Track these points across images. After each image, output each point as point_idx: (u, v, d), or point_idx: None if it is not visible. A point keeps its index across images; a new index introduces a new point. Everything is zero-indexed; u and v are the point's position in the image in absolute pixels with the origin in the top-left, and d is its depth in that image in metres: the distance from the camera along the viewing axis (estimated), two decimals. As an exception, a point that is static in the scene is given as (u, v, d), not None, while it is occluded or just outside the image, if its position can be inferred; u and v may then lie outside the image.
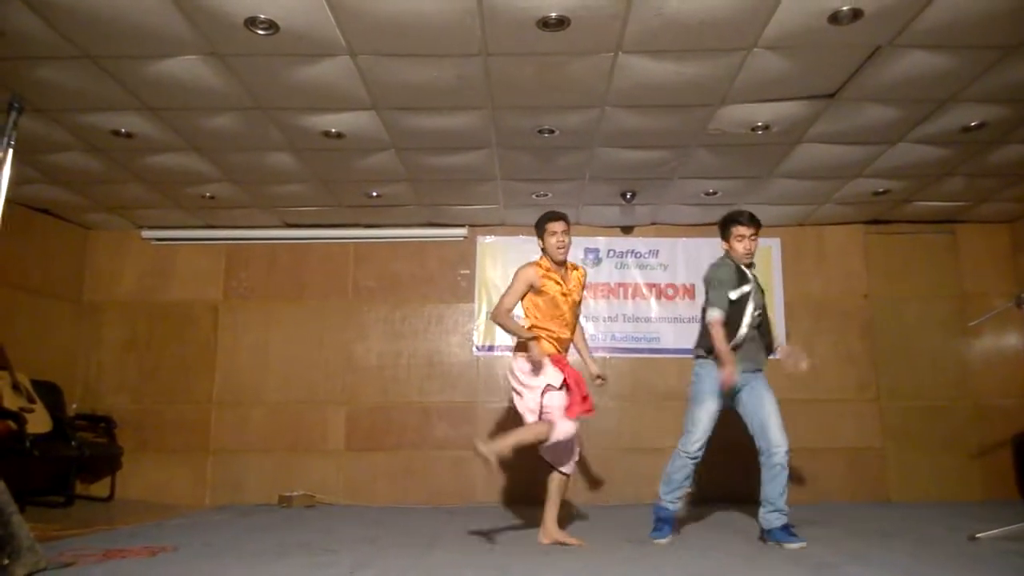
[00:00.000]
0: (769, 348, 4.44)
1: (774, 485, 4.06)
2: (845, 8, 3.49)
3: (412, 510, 6.06)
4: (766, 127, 4.87)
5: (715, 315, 4.14)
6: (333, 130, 4.90)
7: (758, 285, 4.32)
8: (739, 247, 4.23)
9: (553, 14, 3.54)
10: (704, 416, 4.21)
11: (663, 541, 4.17)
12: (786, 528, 4.03)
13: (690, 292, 6.91)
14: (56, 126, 4.81)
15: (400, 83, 4.25)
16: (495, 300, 6.88)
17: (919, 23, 3.63)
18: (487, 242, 7.08)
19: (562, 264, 4.41)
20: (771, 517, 4.06)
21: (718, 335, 4.10)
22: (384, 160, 5.43)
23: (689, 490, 4.32)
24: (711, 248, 6.90)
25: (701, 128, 4.92)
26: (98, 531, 4.69)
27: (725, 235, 4.33)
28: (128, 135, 4.94)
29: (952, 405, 6.72)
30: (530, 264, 4.40)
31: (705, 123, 4.84)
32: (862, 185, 5.99)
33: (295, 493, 6.31)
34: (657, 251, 7.05)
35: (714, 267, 4.32)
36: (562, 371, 4.19)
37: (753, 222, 4.26)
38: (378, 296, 7.02)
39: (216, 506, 6.36)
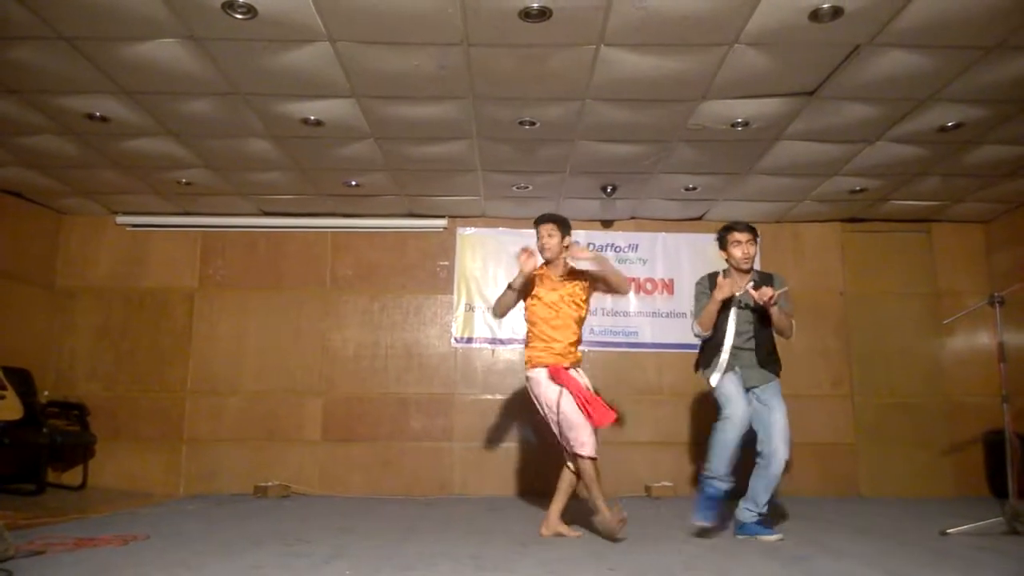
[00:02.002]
0: (775, 363, 4.32)
1: (763, 490, 4.11)
2: (826, 6, 3.51)
3: (388, 501, 6.05)
4: (746, 123, 4.89)
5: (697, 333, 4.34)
6: (312, 117, 4.86)
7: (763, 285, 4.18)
8: (736, 252, 4.23)
9: (535, 5, 3.53)
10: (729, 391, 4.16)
11: (707, 524, 4.12)
12: (760, 522, 4.10)
13: (669, 287, 6.94)
14: (30, 108, 4.73)
15: (380, 71, 4.22)
16: (474, 291, 6.93)
17: (899, 22, 3.65)
18: (467, 233, 7.06)
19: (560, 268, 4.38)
20: (748, 514, 4.14)
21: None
22: (363, 149, 5.40)
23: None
24: (690, 243, 7.01)
25: (682, 123, 4.93)
26: (69, 519, 4.65)
27: (723, 244, 4.34)
28: (103, 119, 4.87)
29: (925, 402, 6.80)
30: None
31: (686, 118, 4.85)
32: (839, 183, 6.03)
33: (270, 483, 6.28)
34: (637, 245, 7.07)
35: (698, 283, 4.44)
36: (560, 382, 4.14)
37: (750, 228, 4.29)
38: (356, 286, 6.99)
39: (190, 495, 6.32)
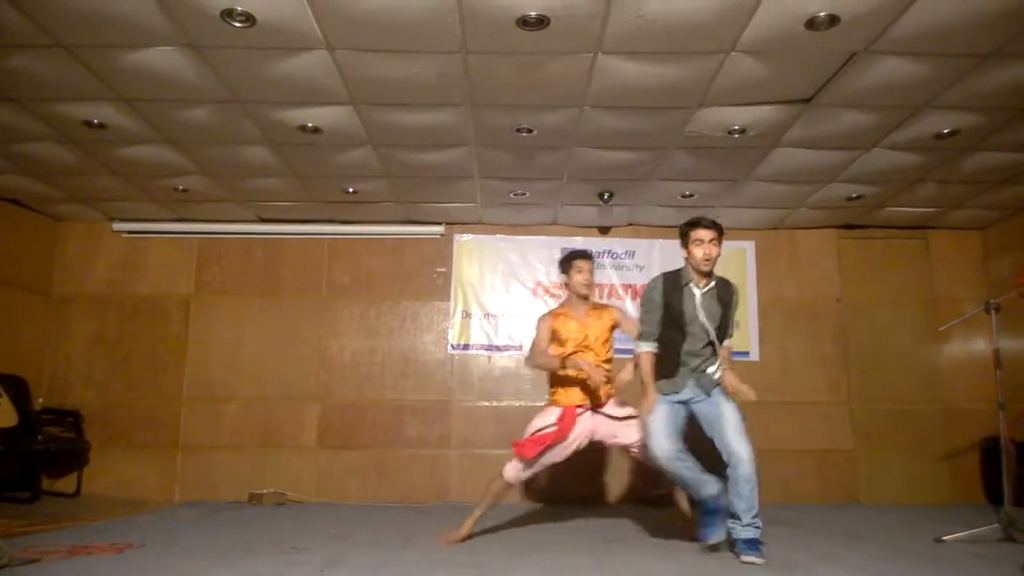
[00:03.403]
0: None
1: (743, 502, 3.74)
2: (822, 14, 3.52)
3: (384, 508, 6.03)
4: (743, 131, 4.90)
5: (641, 349, 4.03)
6: (310, 124, 4.86)
7: (718, 299, 3.97)
8: (698, 252, 3.90)
9: (533, 13, 3.54)
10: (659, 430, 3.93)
11: (717, 540, 3.86)
12: (752, 542, 3.71)
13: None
14: (27, 115, 4.73)
15: (378, 79, 4.22)
16: (471, 298, 6.94)
17: (895, 30, 3.67)
18: (464, 240, 7.06)
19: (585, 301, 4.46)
20: (741, 530, 3.77)
21: (644, 367, 3.99)
22: (361, 156, 5.40)
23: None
24: (687, 250, 6.99)
25: (679, 130, 4.94)
26: (64, 527, 4.63)
27: (684, 241, 4.00)
28: (101, 126, 4.87)
29: (922, 409, 6.80)
30: (547, 313, 4.48)
31: (683, 125, 4.86)
32: (836, 190, 6.05)
33: (266, 490, 6.27)
34: (633, 252, 7.08)
35: (647, 287, 4.13)
36: (565, 422, 4.22)
37: (715, 226, 3.94)
38: (353, 293, 6.98)
39: (185, 503, 6.29)
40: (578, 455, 4.35)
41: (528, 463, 4.22)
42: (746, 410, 6.86)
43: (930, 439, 6.74)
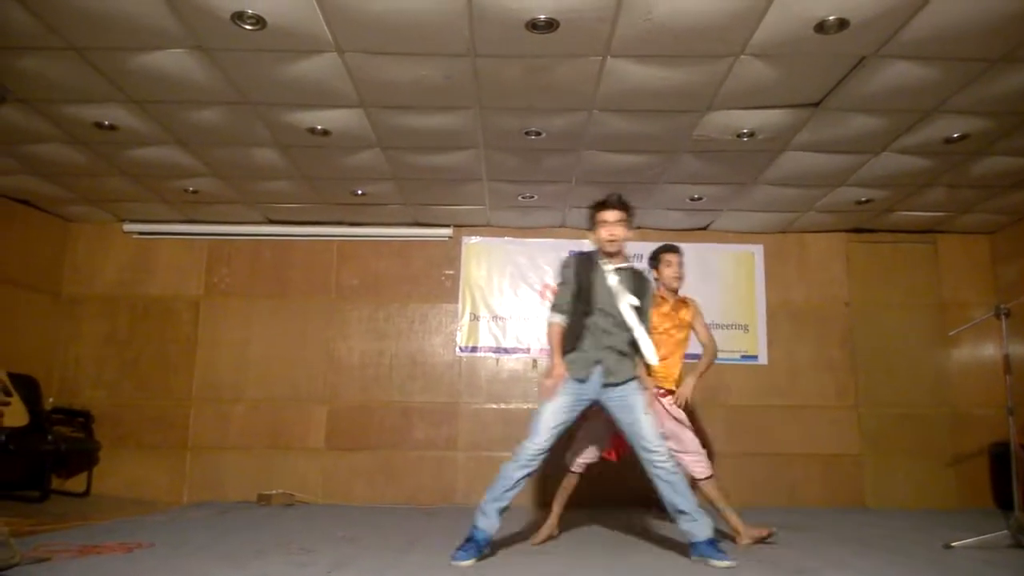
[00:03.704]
0: (634, 356, 3.89)
1: (676, 495, 3.67)
2: (831, 18, 3.52)
3: (392, 510, 6.04)
4: (751, 134, 4.90)
5: (551, 319, 3.90)
6: (319, 127, 4.87)
7: (632, 284, 3.87)
8: (602, 233, 3.85)
9: (542, 16, 3.54)
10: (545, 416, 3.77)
11: (466, 563, 3.60)
12: (712, 543, 3.65)
13: (673, 296, 6.93)
14: (38, 117, 4.76)
15: (388, 81, 4.23)
16: (479, 301, 6.95)
17: (904, 34, 3.66)
18: (472, 243, 7.07)
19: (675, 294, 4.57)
20: (693, 527, 3.66)
21: (553, 340, 3.86)
22: (370, 158, 5.41)
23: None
24: (696, 253, 6.96)
25: (687, 134, 4.94)
26: (74, 527, 4.65)
27: (591, 223, 3.96)
28: (112, 127, 4.90)
29: (930, 413, 6.78)
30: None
31: (691, 129, 4.86)
32: (845, 194, 6.04)
33: (274, 491, 6.28)
34: (641, 255, 7.03)
35: (562, 262, 4.03)
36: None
37: (621, 205, 3.87)
38: (361, 295, 7.00)
39: (194, 503, 6.32)
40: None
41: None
42: (753, 414, 6.89)
43: (938, 444, 6.71)
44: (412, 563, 3.67)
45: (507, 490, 3.73)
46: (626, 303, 3.80)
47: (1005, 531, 4.19)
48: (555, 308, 3.92)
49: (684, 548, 3.85)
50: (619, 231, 3.84)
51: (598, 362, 3.78)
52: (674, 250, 4.57)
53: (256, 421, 6.72)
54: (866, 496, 6.63)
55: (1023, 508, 4.24)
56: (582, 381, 3.77)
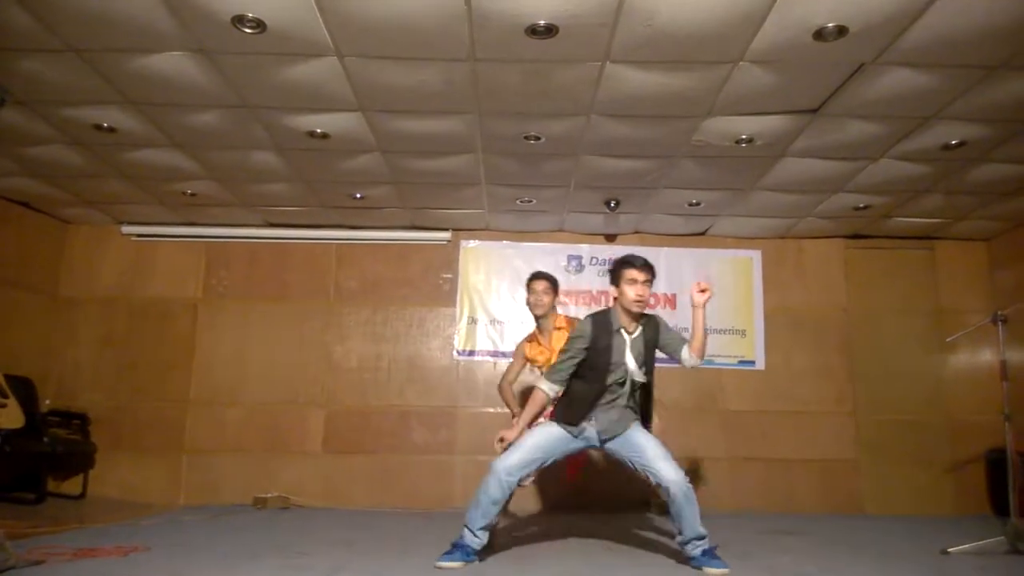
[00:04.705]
0: (645, 416, 3.91)
1: (684, 518, 3.65)
2: (830, 25, 3.52)
3: (389, 514, 6.03)
4: (750, 140, 4.91)
5: (544, 388, 3.79)
6: (318, 130, 4.88)
7: (645, 341, 3.80)
8: (630, 292, 3.71)
9: (542, 22, 3.55)
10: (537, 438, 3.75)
11: (453, 565, 3.62)
12: (708, 552, 3.66)
13: (671, 302, 6.94)
14: (38, 119, 4.76)
15: (387, 85, 4.24)
16: (477, 304, 6.95)
17: (903, 41, 3.67)
18: (470, 246, 7.08)
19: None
20: (690, 547, 3.69)
21: (533, 407, 3.77)
22: (369, 162, 5.42)
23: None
24: (693, 258, 7.02)
25: (686, 139, 4.94)
26: (69, 529, 4.64)
27: (616, 280, 3.80)
28: (111, 129, 4.90)
29: (927, 420, 6.78)
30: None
31: (690, 134, 4.86)
32: (843, 200, 6.05)
33: (270, 494, 6.27)
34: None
35: (576, 328, 3.88)
36: None
37: (648, 267, 3.77)
38: (359, 298, 6.99)
39: (190, 506, 6.30)
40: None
41: None
42: (751, 419, 6.89)
43: (935, 450, 6.71)
44: (409, 567, 3.66)
45: (494, 504, 3.72)
46: (639, 367, 3.76)
47: (1002, 537, 4.18)
48: (553, 377, 3.80)
49: (677, 554, 3.86)
50: (647, 291, 3.75)
51: (593, 420, 3.75)
52: (539, 277, 4.57)
53: (253, 424, 6.71)
54: (863, 502, 6.63)
55: (1020, 514, 4.24)
56: (574, 434, 3.75)
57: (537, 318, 4.63)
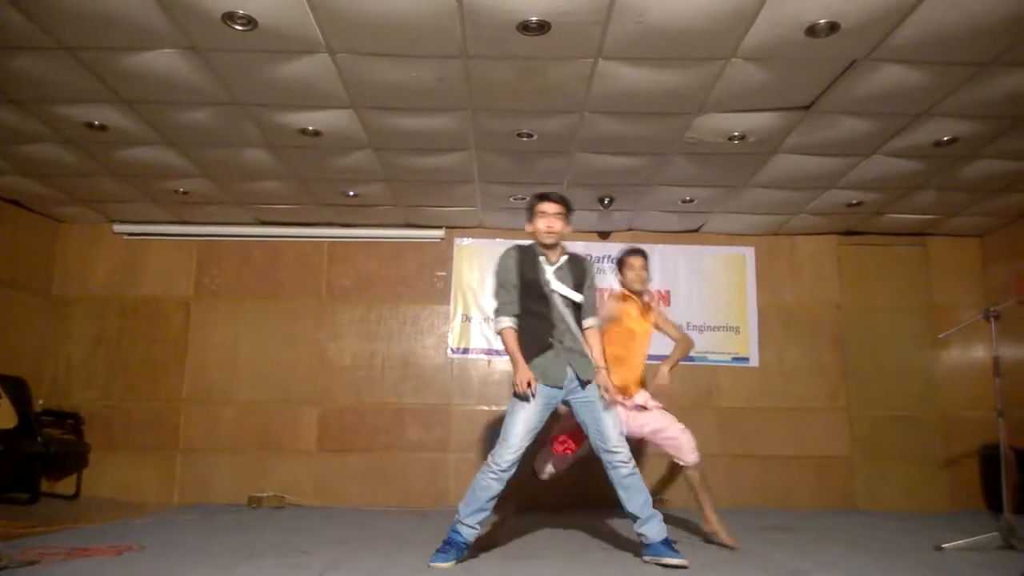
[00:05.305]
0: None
1: (632, 495, 3.68)
2: (822, 21, 3.53)
3: (384, 512, 6.03)
4: (742, 137, 4.91)
5: (501, 325, 3.78)
6: (310, 128, 4.86)
7: (572, 273, 3.84)
8: (540, 224, 3.78)
9: (534, 18, 3.54)
10: (519, 423, 3.71)
11: (445, 566, 3.59)
12: (666, 542, 3.67)
13: (666, 299, 6.95)
14: (29, 117, 4.74)
15: (379, 82, 4.23)
16: (471, 302, 6.95)
17: (895, 38, 3.68)
18: (464, 244, 7.07)
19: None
20: (648, 530, 3.68)
21: (509, 345, 3.75)
22: (361, 159, 5.41)
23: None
24: (687, 255, 7.03)
25: (678, 136, 4.95)
26: (63, 529, 4.63)
27: (530, 215, 3.87)
28: (102, 127, 4.88)
29: (920, 416, 6.80)
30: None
31: (683, 131, 4.87)
32: (836, 196, 6.06)
33: (265, 494, 6.26)
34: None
35: (500, 257, 3.88)
36: None
37: (562, 201, 3.84)
38: (353, 296, 6.98)
39: (184, 505, 6.29)
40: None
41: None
42: (745, 416, 6.91)
43: (929, 446, 6.73)
44: (404, 565, 3.66)
45: (489, 500, 3.71)
46: (571, 295, 3.78)
47: (995, 533, 4.20)
48: (502, 310, 3.79)
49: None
50: (558, 224, 3.79)
51: (568, 364, 3.74)
52: (636, 253, 4.56)
53: (247, 423, 6.70)
54: (857, 498, 6.64)
55: (1013, 510, 4.26)
56: (557, 388, 3.74)
57: (638, 294, 4.55)
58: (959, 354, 6.88)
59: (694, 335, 6.67)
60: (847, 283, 7.06)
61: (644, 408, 4.36)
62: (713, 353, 6.85)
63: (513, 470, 3.70)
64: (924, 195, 6.01)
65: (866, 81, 4.14)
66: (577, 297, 3.80)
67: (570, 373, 3.74)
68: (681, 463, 4.31)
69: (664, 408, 4.41)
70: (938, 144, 4.99)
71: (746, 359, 6.88)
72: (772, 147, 5.12)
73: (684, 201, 6.25)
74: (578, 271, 3.88)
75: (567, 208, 3.86)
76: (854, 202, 6.18)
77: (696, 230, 7.04)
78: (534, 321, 3.76)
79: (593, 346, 3.84)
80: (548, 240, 3.81)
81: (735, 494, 6.50)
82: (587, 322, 3.88)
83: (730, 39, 3.72)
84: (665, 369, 4.45)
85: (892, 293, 7.03)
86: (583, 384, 3.76)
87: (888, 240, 7.07)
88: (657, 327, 4.63)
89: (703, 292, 6.97)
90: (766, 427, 6.77)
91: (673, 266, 7.04)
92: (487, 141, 5.09)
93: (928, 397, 6.84)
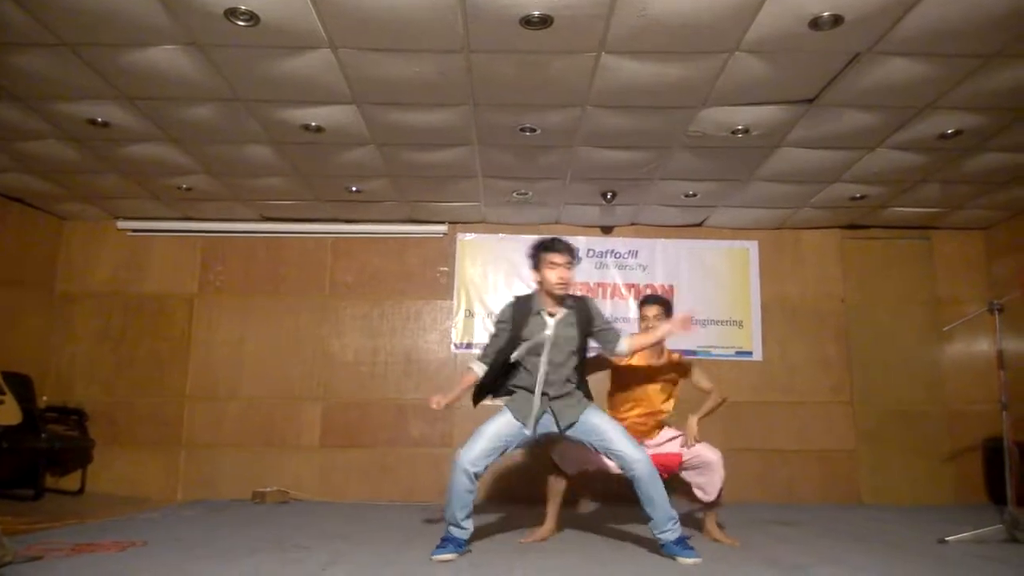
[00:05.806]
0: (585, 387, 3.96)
1: (652, 499, 3.69)
2: (826, 14, 3.51)
3: (387, 507, 6.03)
4: (746, 130, 4.90)
5: (468, 366, 3.99)
6: (313, 124, 4.86)
7: (579, 323, 3.84)
8: (551, 276, 3.75)
9: (536, 12, 3.53)
10: (491, 426, 3.78)
11: (446, 556, 3.64)
12: (680, 541, 3.71)
13: (668, 293, 6.93)
14: (32, 114, 4.74)
15: (381, 78, 4.22)
16: (474, 297, 6.95)
17: (899, 31, 3.66)
18: (467, 239, 7.07)
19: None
20: (666, 533, 3.72)
21: (461, 384, 3.97)
22: (364, 155, 5.40)
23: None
24: (690, 250, 7.02)
25: (682, 130, 4.93)
26: (67, 525, 4.64)
27: (536, 263, 3.84)
28: (105, 124, 4.88)
29: (924, 409, 6.79)
30: None
31: (686, 125, 4.85)
32: (840, 190, 6.04)
33: (268, 489, 6.27)
34: (636, 252, 7.07)
35: (501, 310, 3.98)
36: None
37: (569, 249, 3.81)
38: (356, 292, 6.99)
39: (188, 501, 6.30)
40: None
41: None
42: (748, 410, 6.89)
43: (933, 440, 6.73)
44: (407, 560, 3.66)
45: (468, 498, 3.71)
46: (567, 347, 3.80)
47: (999, 526, 4.20)
48: (482, 358, 3.96)
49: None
50: (568, 274, 3.78)
51: (548, 411, 3.80)
52: (651, 303, 4.42)
53: (250, 419, 6.71)
54: (861, 492, 6.64)
55: (1017, 503, 4.26)
56: (524, 425, 3.78)
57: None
58: (963, 347, 6.87)
59: (697, 329, 6.68)
60: (851, 277, 7.05)
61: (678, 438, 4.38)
62: (716, 347, 6.85)
63: (480, 471, 3.72)
64: (928, 188, 5.99)
65: (870, 74, 4.12)
66: (560, 358, 3.79)
67: (546, 420, 3.81)
68: (705, 500, 4.30)
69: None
70: (942, 137, 4.97)
71: (749, 353, 6.88)
72: (776, 141, 5.11)
73: (687, 195, 6.24)
74: (583, 316, 3.87)
75: (573, 256, 3.84)
76: (858, 196, 6.16)
77: (699, 224, 7.03)
78: (522, 372, 3.84)
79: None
80: (559, 292, 3.79)
81: (738, 489, 6.46)
82: (618, 348, 3.96)
83: (733, 32, 3.71)
84: (693, 421, 4.35)
85: (896, 287, 7.01)
86: (562, 431, 3.82)
87: (892, 234, 7.05)
88: (686, 376, 4.52)
89: (706, 286, 6.96)
90: (770, 421, 6.76)
91: (676, 260, 7.03)
92: (490, 136, 5.08)
93: (932, 391, 6.83)
